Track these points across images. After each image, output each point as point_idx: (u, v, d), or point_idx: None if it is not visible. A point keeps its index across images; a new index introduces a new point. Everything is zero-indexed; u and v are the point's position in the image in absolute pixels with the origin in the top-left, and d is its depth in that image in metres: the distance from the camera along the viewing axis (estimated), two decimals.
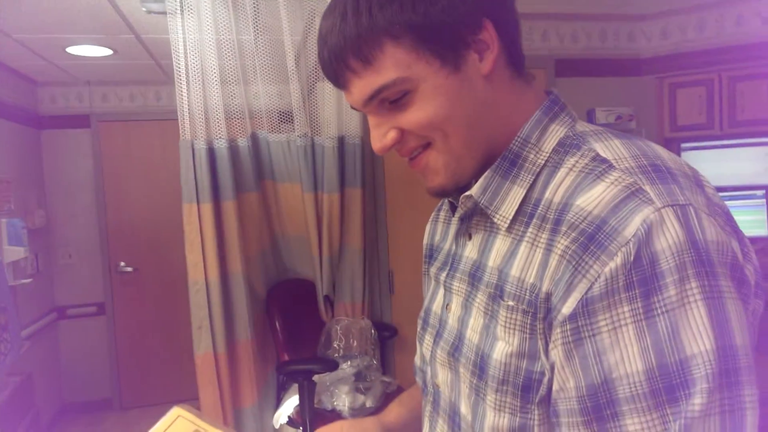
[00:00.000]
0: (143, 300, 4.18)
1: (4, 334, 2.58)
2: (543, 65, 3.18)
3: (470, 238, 0.75)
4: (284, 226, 2.69)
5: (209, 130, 2.36)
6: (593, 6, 3.17)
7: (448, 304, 0.78)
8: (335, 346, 2.60)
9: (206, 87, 2.33)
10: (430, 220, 0.94)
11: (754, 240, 3.02)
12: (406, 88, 0.63)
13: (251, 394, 2.45)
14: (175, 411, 0.84)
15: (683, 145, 3.32)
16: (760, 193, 3.13)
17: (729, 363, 0.51)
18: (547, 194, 0.63)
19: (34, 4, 2.48)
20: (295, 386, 2.41)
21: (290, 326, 2.61)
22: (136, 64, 3.56)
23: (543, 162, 0.66)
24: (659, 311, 0.52)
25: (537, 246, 0.62)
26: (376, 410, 2.31)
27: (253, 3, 2.42)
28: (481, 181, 0.68)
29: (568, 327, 0.56)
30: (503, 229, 0.67)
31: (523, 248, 0.64)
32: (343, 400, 2.34)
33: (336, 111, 2.58)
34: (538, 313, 0.60)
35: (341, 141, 2.62)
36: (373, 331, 2.66)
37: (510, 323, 0.63)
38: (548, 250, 0.60)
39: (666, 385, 0.51)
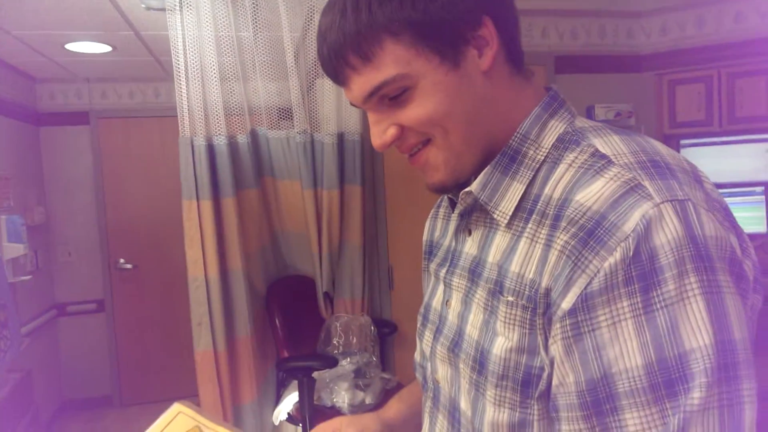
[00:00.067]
0: (143, 297, 4.18)
1: (3, 330, 2.59)
2: (542, 62, 3.18)
3: (470, 234, 0.75)
4: (284, 223, 2.69)
5: (209, 126, 2.36)
6: (592, 2, 3.17)
7: (447, 300, 0.78)
8: (335, 342, 2.61)
9: (205, 84, 2.33)
10: (430, 216, 0.94)
11: (752, 237, 3.02)
12: (406, 84, 0.63)
13: (251, 391, 2.46)
14: (176, 407, 0.85)
15: (682, 142, 3.32)
16: (759, 189, 3.13)
17: (728, 357, 0.51)
18: (547, 190, 0.64)
19: (34, 1, 2.47)
20: (295, 383, 2.41)
21: (290, 323, 2.61)
22: (136, 61, 3.56)
23: (542, 158, 0.66)
24: (658, 306, 0.52)
25: (536, 241, 0.62)
26: (376, 407, 2.31)
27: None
28: (480, 177, 0.68)
29: (567, 322, 0.57)
30: (503, 224, 0.68)
31: (523, 244, 0.64)
32: (342, 396, 2.35)
33: (335, 107, 2.57)
34: (537, 309, 0.60)
35: (341, 138, 2.62)
36: (372, 327, 2.67)
37: (509, 318, 0.63)
38: (548, 245, 0.60)
39: (665, 379, 0.51)
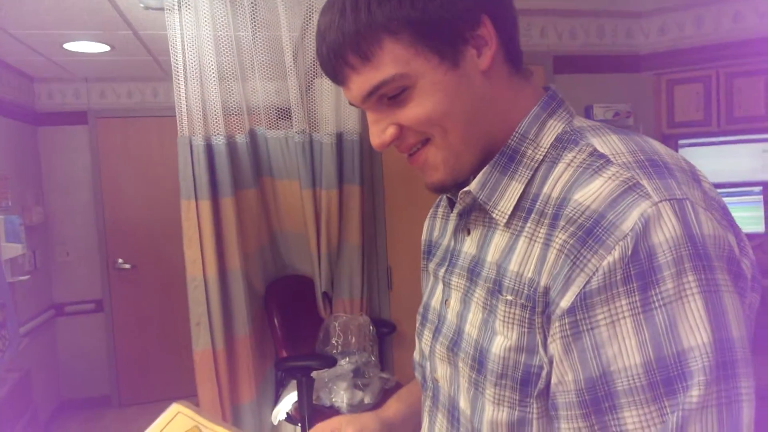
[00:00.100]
0: (141, 297, 4.18)
1: (2, 330, 2.58)
2: (541, 61, 3.19)
3: (469, 233, 0.75)
4: (282, 223, 2.69)
5: (207, 126, 2.36)
6: (591, 2, 3.17)
7: (446, 300, 0.78)
8: (333, 342, 2.61)
9: (204, 83, 2.33)
10: (429, 216, 0.94)
11: (750, 237, 3.03)
12: (405, 84, 0.64)
13: (250, 391, 2.46)
14: (175, 407, 0.85)
15: (681, 142, 3.32)
16: (757, 189, 3.14)
17: (726, 355, 0.52)
18: (545, 189, 0.64)
19: (33, 1, 2.47)
20: (294, 383, 2.41)
21: (289, 323, 2.61)
22: (134, 61, 3.56)
23: (541, 157, 0.66)
24: (657, 304, 0.52)
25: (535, 241, 0.62)
26: (375, 406, 2.31)
27: None
28: (479, 176, 0.69)
29: (566, 321, 0.57)
30: (502, 224, 0.68)
31: (522, 243, 0.64)
32: (341, 396, 2.35)
33: (334, 107, 2.57)
34: (536, 307, 0.61)
35: (339, 137, 2.62)
36: (371, 327, 2.67)
37: (508, 317, 0.63)
38: (546, 244, 0.60)
39: (663, 377, 0.52)
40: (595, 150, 0.62)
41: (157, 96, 4.14)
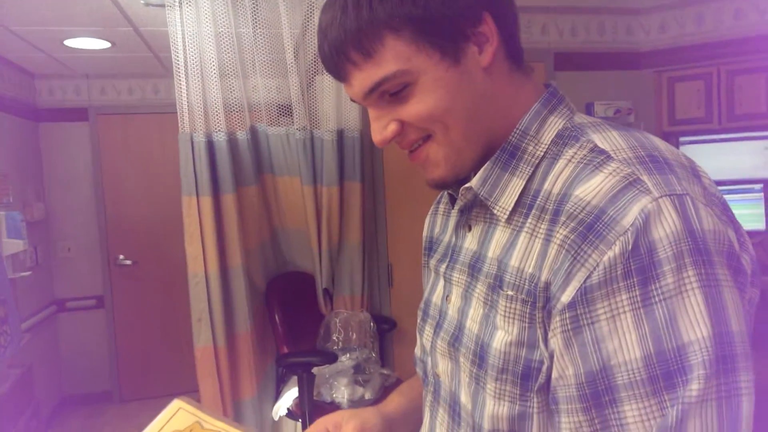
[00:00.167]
0: (143, 293, 4.18)
1: (3, 326, 2.59)
2: (542, 59, 3.18)
3: (470, 229, 0.75)
4: (283, 220, 2.69)
5: (208, 123, 2.36)
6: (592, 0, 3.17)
7: (448, 296, 0.78)
8: (334, 338, 2.61)
9: (205, 80, 2.33)
10: (430, 212, 0.94)
11: (751, 234, 3.03)
12: (407, 80, 0.64)
13: (251, 387, 2.47)
14: (176, 403, 0.85)
15: (681, 139, 3.32)
16: (758, 187, 3.14)
17: (725, 349, 0.52)
18: (546, 185, 0.64)
19: None
20: (295, 379, 2.42)
21: (290, 319, 2.62)
22: (135, 57, 3.55)
23: (542, 153, 0.67)
24: (657, 299, 0.53)
25: (536, 236, 0.63)
26: (375, 402, 2.31)
27: None
28: (480, 173, 0.69)
29: (567, 315, 0.57)
30: (503, 220, 0.68)
31: (523, 239, 0.65)
32: (342, 392, 2.35)
33: (335, 104, 2.58)
34: (537, 302, 0.61)
35: (340, 134, 2.62)
36: (372, 323, 2.67)
37: (509, 312, 0.64)
38: (547, 240, 0.61)
39: (663, 371, 0.52)
40: (596, 146, 0.62)
41: (158, 92, 4.14)
